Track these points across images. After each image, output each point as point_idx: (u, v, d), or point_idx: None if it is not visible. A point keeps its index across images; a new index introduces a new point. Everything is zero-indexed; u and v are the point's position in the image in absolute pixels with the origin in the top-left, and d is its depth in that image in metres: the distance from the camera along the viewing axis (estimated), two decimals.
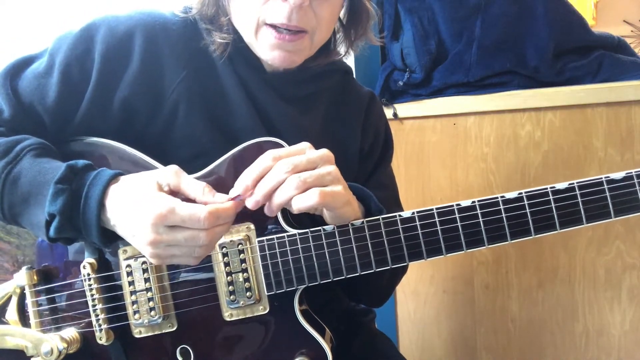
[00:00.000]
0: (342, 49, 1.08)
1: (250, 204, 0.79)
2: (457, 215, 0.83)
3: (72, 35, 0.92)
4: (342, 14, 1.03)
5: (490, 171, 1.62)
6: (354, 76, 1.18)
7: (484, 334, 1.69)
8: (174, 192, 0.79)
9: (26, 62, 0.94)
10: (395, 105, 1.67)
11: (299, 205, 0.78)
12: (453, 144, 1.65)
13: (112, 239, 0.82)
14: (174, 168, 0.80)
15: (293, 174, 0.78)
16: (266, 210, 0.81)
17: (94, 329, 0.89)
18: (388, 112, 1.66)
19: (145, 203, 0.76)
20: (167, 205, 0.75)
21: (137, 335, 0.90)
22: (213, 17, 0.96)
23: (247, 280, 0.87)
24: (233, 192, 0.80)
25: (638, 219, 1.50)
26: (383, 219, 0.84)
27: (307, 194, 0.78)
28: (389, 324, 1.76)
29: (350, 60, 1.46)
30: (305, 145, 0.82)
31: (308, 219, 0.89)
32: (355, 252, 0.84)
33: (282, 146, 0.87)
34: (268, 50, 0.92)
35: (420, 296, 1.74)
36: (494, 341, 1.69)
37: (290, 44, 0.91)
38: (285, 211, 0.87)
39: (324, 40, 0.98)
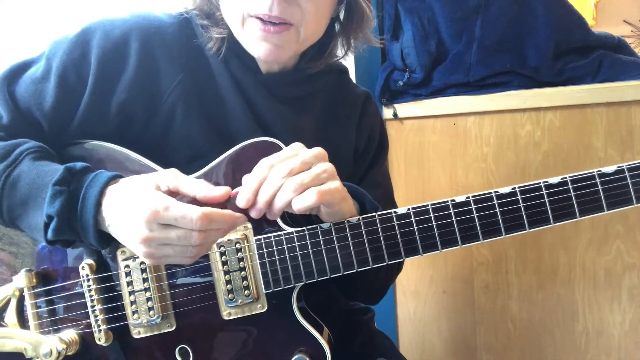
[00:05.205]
0: (340, 51, 1.08)
1: (254, 213, 0.81)
2: (451, 211, 0.84)
3: (68, 39, 0.92)
4: (341, 17, 1.03)
5: (490, 171, 1.62)
6: (355, 76, 1.18)
7: (484, 334, 1.69)
8: (173, 194, 0.79)
9: (23, 67, 0.94)
10: (395, 105, 1.67)
11: (298, 206, 0.79)
12: (453, 144, 1.65)
13: (109, 241, 0.82)
14: (173, 171, 0.81)
15: (290, 177, 0.79)
16: (268, 216, 0.82)
17: (93, 329, 0.89)
18: (388, 112, 1.66)
19: (140, 200, 0.76)
20: (163, 203, 0.75)
21: (136, 336, 0.90)
22: (209, 11, 0.97)
23: (245, 278, 0.87)
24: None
25: (638, 219, 1.49)
26: (379, 215, 0.85)
27: (306, 194, 0.79)
28: (389, 324, 1.76)
29: (350, 60, 1.46)
30: (297, 146, 0.83)
31: (304, 218, 0.89)
32: (351, 248, 0.85)
33: (278, 146, 0.88)
34: (254, 42, 0.92)
35: (420, 296, 1.74)
36: (494, 341, 1.68)
37: (275, 37, 0.90)
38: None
39: (313, 35, 0.97)
